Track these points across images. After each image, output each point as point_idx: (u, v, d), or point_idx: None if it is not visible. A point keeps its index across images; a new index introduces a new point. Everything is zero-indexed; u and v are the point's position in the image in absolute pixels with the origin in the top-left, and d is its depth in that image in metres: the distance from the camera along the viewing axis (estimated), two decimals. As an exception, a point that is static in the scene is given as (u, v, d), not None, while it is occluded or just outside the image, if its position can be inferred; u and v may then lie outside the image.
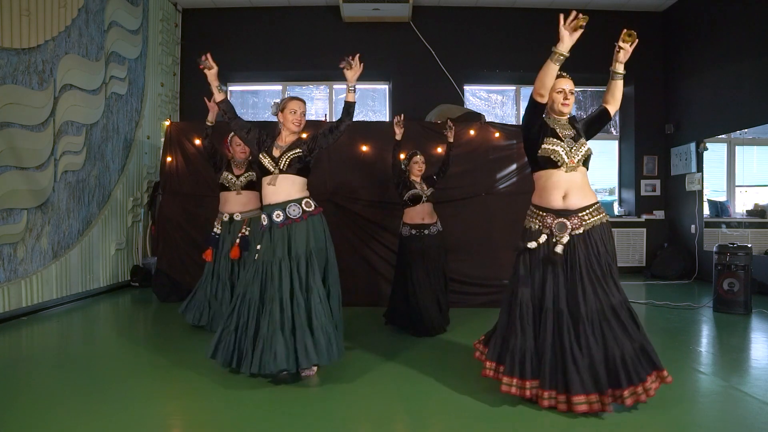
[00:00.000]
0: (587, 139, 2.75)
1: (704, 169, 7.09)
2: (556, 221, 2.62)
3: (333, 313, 3.01)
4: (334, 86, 8.32)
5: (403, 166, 4.22)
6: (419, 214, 4.12)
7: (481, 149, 5.52)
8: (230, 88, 8.43)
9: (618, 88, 2.71)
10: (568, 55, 2.50)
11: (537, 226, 2.67)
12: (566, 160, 2.62)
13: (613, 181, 8.49)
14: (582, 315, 2.50)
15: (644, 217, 7.91)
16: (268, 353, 2.81)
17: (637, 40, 2.61)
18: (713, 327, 4.51)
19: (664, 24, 7.91)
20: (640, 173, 8.02)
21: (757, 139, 6.53)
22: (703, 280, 6.83)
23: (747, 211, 6.70)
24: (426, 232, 4.12)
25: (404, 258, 4.16)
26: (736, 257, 4.88)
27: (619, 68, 2.67)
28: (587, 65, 8.36)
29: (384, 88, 8.34)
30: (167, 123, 5.89)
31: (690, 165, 7.28)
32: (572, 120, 2.78)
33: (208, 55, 3.08)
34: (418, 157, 4.20)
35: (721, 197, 7.14)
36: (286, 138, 3.10)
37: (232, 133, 4.25)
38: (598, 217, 2.64)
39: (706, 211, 7.15)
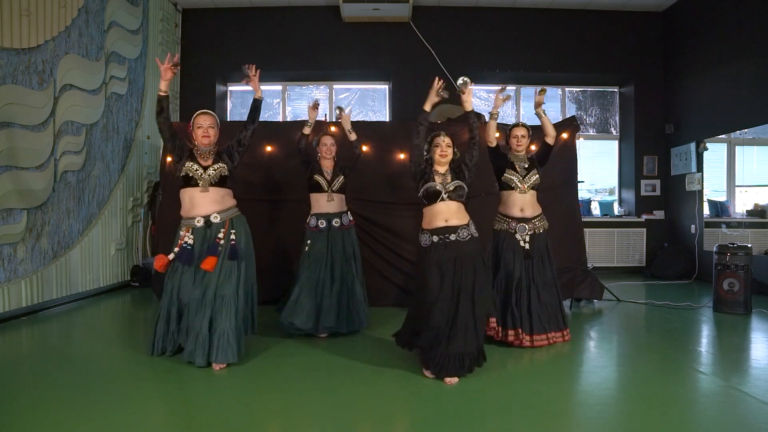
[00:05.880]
0: (543, 165, 3.90)
1: (704, 169, 7.09)
2: (518, 224, 3.78)
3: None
4: (334, 86, 8.32)
5: (424, 151, 3.15)
6: (440, 215, 3.05)
7: (481, 149, 5.50)
8: (230, 88, 8.44)
9: (544, 124, 3.87)
10: (498, 112, 3.74)
11: (504, 227, 3.83)
12: (520, 185, 3.80)
13: (613, 181, 8.48)
14: (537, 282, 3.73)
15: (644, 217, 7.91)
16: (341, 316, 3.97)
17: (546, 91, 3.87)
18: (713, 327, 4.51)
19: (664, 24, 7.90)
20: (640, 173, 8.01)
21: (757, 139, 6.53)
22: (703, 280, 6.83)
23: (747, 211, 6.70)
24: (453, 237, 3.02)
25: (423, 273, 3.09)
26: (736, 257, 4.88)
27: (536, 111, 3.88)
28: (587, 65, 8.40)
29: (384, 88, 8.33)
30: (167, 123, 5.85)
31: (690, 165, 7.28)
32: (530, 156, 3.90)
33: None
34: (440, 139, 3.09)
35: (721, 197, 7.14)
36: (325, 164, 4.10)
37: (195, 115, 3.37)
38: (543, 223, 3.85)
39: (706, 211, 7.15)
